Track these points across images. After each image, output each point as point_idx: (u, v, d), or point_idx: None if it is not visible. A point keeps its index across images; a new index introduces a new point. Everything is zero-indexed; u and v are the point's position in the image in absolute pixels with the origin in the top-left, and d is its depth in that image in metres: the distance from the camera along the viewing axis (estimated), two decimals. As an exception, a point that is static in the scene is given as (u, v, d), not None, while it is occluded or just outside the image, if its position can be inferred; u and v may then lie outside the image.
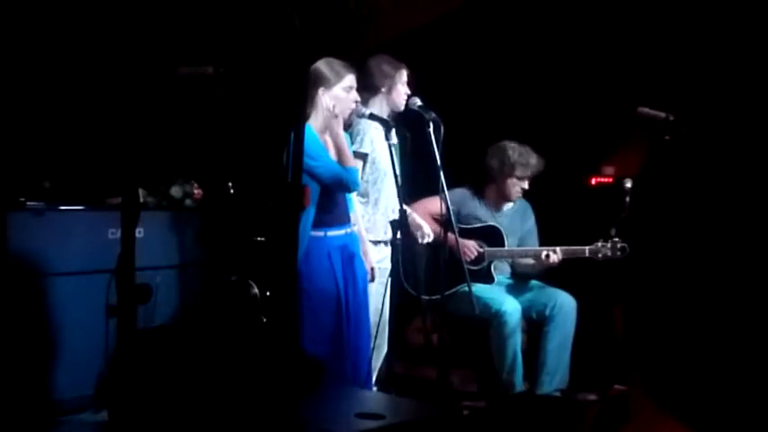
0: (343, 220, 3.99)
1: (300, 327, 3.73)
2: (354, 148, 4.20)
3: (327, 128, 3.89)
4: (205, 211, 4.28)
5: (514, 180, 4.77)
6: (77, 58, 4.36)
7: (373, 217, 4.32)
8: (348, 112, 3.94)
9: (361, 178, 4.22)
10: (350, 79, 3.90)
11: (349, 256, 3.96)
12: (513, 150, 4.76)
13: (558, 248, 4.65)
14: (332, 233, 3.90)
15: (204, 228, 4.24)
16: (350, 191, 4.01)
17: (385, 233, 4.31)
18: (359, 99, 3.96)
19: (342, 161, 3.86)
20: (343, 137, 3.93)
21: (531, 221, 4.95)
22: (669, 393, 4.21)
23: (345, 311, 3.88)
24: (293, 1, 2.63)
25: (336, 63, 3.90)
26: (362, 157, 4.23)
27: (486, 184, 4.88)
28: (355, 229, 4.09)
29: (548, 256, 4.64)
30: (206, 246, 4.20)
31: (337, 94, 3.88)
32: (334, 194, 3.92)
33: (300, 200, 2.58)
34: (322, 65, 3.87)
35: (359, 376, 3.92)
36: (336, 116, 3.87)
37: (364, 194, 4.27)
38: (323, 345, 3.77)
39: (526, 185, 4.80)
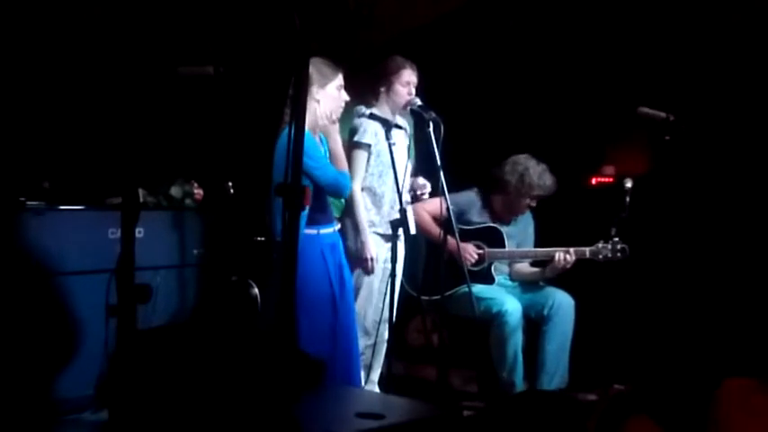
0: (332, 218, 4.00)
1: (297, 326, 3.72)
2: (356, 138, 4.20)
3: (319, 128, 3.88)
4: (205, 211, 4.29)
5: (528, 200, 4.72)
6: (78, 58, 4.37)
7: (381, 210, 4.32)
8: (340, 111, 3.93)
9: (366, 170, 4.24)
10: (339, 79, 3.89)
11: (339, 257, 3.96)
12: (534, 171, 4.68)
13: (571, 249, 4.59)
14: (324, 231, 3.89)
15: (204, 228, 4.25)
16: (340, 197, 4.02)
17: None
18: (348, 98, 3.95)
19: (336, 166, 3.86)
20: (341, 143, 3.92)
21: (530, 231, 4.92)
22: (668, 394, 4.21)
23: (337, 311, 3.88)
24: (293, 1, 2.63)
25: (324, 64, 3.87)
26: (366, 148, 4.23)
27: (495, 193, 4.81)
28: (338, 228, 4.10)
29: (561, 257, 4.57)
30: (206, 246, 4.21)
31: (330, 93, 3.86)
32: (326, 193, 3.92)
33: (301, 200, 2.57)
34: (311, 65, 3.82)
35: (351, 376, 3.93)
36: (334, 122, 3.87)
37: (370, 187, 4.28)
38: (318, 344, 3.76)
39: (534, 203, 4.77)
